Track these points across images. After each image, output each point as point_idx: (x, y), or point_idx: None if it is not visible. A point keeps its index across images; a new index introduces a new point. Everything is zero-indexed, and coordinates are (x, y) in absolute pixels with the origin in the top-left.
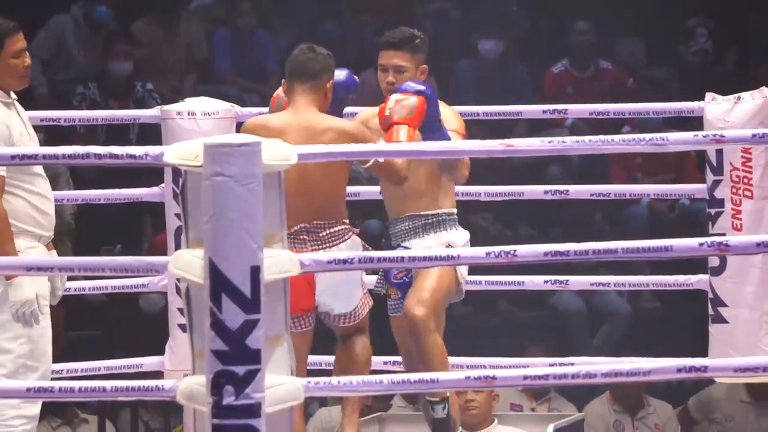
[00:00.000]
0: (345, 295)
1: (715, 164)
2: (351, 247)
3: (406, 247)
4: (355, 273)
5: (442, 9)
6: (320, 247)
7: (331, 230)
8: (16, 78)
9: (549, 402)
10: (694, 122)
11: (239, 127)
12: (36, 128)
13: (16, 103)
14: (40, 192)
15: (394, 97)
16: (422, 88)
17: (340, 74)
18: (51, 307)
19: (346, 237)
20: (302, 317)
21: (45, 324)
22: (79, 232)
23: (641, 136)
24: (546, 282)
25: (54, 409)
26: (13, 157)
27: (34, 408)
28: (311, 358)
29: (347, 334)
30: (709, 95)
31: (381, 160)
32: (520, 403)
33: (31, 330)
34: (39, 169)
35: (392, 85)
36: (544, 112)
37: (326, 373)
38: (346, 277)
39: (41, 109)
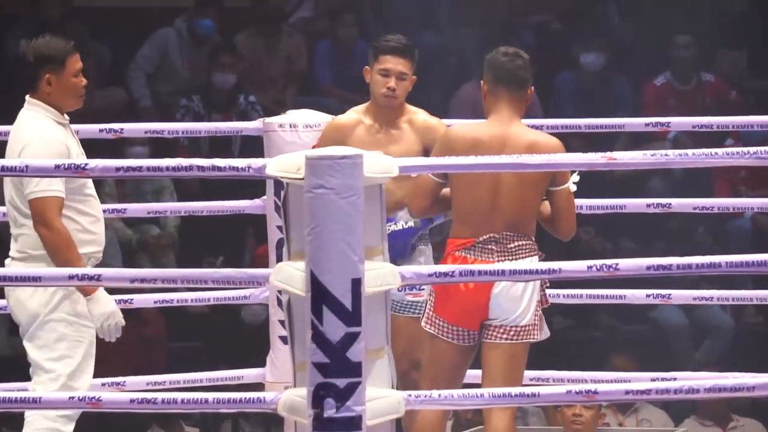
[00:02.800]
0: (524, 305)
1: None
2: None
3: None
4: (535, 290)
5: (544, 21)
6: (507, 258)
7: (520, 242)
8: (75, 97)
9: (636, 413)
10: None
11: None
12: (140, 140)
13: (69, 125)
14: (91, 212)
15: None
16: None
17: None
18: (153, 316)
19: (533, 253)
20: (466, 331)
21: (90, 348)
22: (182, 243)
23: (745, 149)
24: (648, 296)
25: (160, 422)
26: (118, 169)
27: (69, 426)
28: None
29: (502, 360)
30: None
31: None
32: (606, 419)
33: (77, 351)
34: (91, 189)
35: (393, 91)
36: (647, 125)
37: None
38: (524, 289)
39: (145, 122)
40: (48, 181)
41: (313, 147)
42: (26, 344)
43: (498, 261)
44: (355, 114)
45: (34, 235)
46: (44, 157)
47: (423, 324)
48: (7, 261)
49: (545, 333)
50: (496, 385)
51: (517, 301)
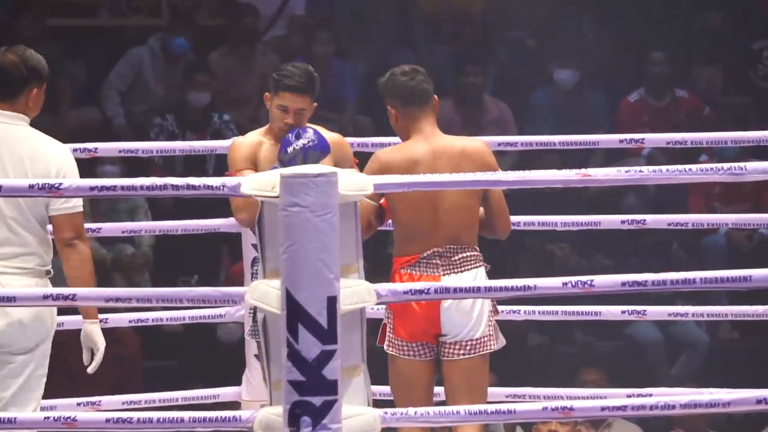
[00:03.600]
0: (475, 318)
1: None
2: (480, 276)
3: None
4: (485, 302)
5: (519, 38)
6: (452, 271)
7: (464, 255)
8: (37, 113)
9: (609, 428)
10: None
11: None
12: (111, 159)
13: None
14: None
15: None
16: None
17: (314, 137)
18: (128, 335)
19: (478, 264)
20: (425, 345)
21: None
22: (157, 262)
23: (719, 165)
24: (623, 312)
25: None
26: (92, 188)
27: None
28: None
29: (462, 376)
30: None
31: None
32: None
33: (45, 370)
34: None
35: (289, 126)
36: (621, 141)
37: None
38: (474, 303)
39: (119, 140)
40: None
41: (230, 173)
42: (26, 359)
43: (443, 274)
44: (257, 135)
45: (41, 251)
46: (76, 173)
47: (386, 347)
48: None
49: (501, 341)
50: (460, 401)
51: (468, 314)
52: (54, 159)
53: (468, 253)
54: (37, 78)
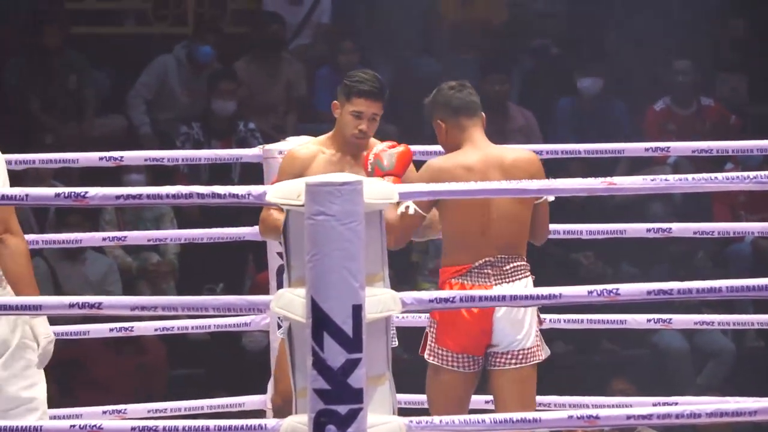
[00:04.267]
0: (526, 327)
1: None
2: (530, 286)
3: None
4: (533, 311)
5: (543, 46)
6: (504, 280)
7: (515, 264)
8: None
9: None
10: None
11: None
12: (137, 168)
13: None
14: None
15: (373, 151)
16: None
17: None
18: (153, 343)
19: (527, 273)
20: (471, 358)
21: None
22: (183, 271)
23: (745, 174)
24: (649, 321)
25: None
26: (118, 197)
27: None
28: (412, 397)
29: (513, 387)
30: None
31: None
32: None
33: (39, 376)
34: None
35: (363, 133)
36: (647, 149)
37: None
38: (525, 313)
39: (145, 149)
40: (3, 187)
41: (273, 182)
42: None
43: (495, 284)
44: (315, 145)
45: None
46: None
47: (426, 356)
48: None
49: (546, 351)
50: (511, 411)
51: (519, 324)
52: None
53: (519, 263)
54: None
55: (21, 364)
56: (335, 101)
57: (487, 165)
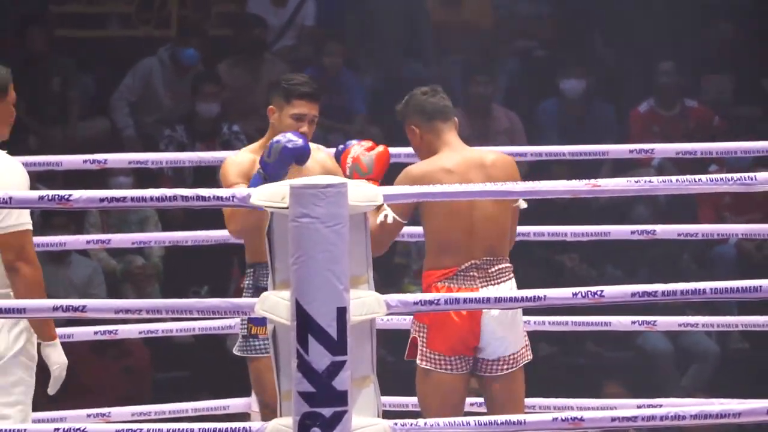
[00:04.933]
0: (515, 331)
1: None
2: (513, 287)
3: None
4: (519, 313)
5: (527, 48)
6: (489, 283)
7: (499, 266)
8: (8, 127)
9: None
10: None
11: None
12: (123, 171)
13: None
14: None
15: (351, 154)
16: (301, 143)
17: (297, 140)
18: (137, 346)
19: (511, 275)
20: (463, 359)
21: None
22: (167, 273)
23: (729, 175)
24: (633, 323)
25: None
26: (102, 199)
27: None
28: (396, 399)
29: (505, 391)
30: None
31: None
32: None
33: (29, 398)
34: None
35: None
36: (631, 151)
37: (413, 414)
38: (514, 315)
39: (129, 152)
40: (22, 213)
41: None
42: None
43: (481, 287)
44: (250, 153)
45: None
46: (22, 188)
47: (418, 361)
48: None
49: (530, 351)
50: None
51: (509, 328)
52: None
53: (503, 265)
54: None
55: (10, 379)
56: (271, 107)
57: (468, 167)
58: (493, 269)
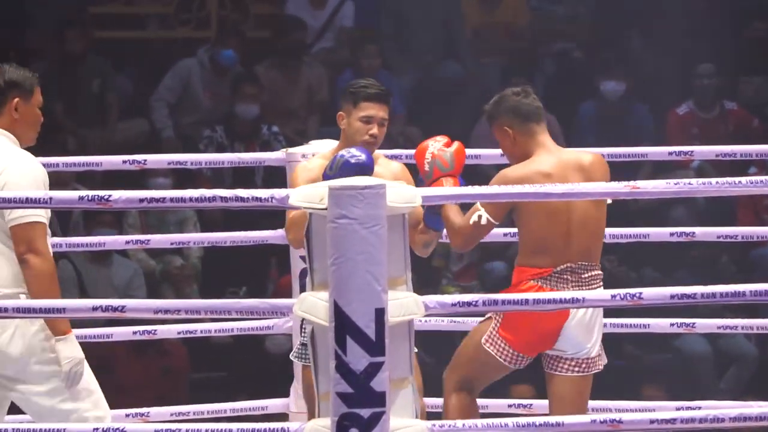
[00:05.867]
0: (595, 336)
1: None
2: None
3: None
4: (600, 319)
5: (566, 50)
6: (581, 288)
7: (593, 273)
8: (35, 131)
9: None
10: None
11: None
12: (162, 171)
13: None
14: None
15: (430, 150)
16: (364, 159)
17: (360, 156)
18: (176, 347)
19: (600, 284)
20: (525, 358)
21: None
22: (206, 274)
23: None
24: (672, 325)
25: None
26: (141, 200)
27: None
28: (434, 401)
29: (574, 393)
30: None
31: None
32: None
33: (81, 384)
34: None
35: (375, 138)
36: (670, 153)
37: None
38: (595, 320)
39: (168, 152)
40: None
41: None
42: (25, 394)
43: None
44: (322, 159)
45: (7, 271)
46: (37, 183)
47: (483, 341)
48: None
49: (604, 360)
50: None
51: (590, 333)
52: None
53: (596, 272)
54: (16, 90)
55: (54, 380)
56: (340, 112)
57: (566, 169)
58: (586, 275)
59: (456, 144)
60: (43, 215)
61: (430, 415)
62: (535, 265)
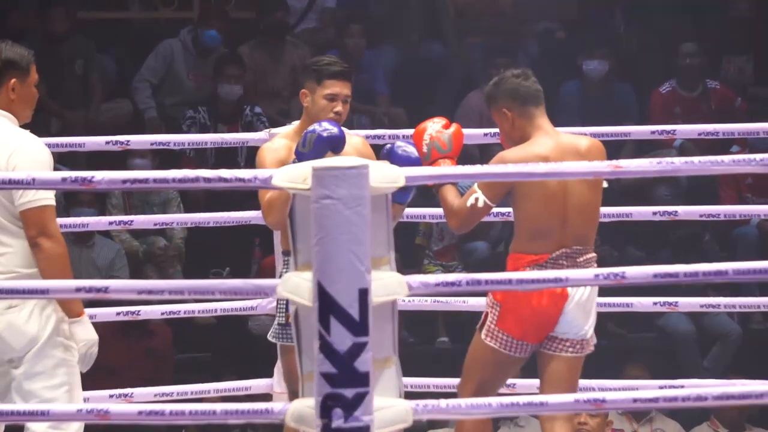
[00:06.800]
0: (591, 318)
1: None
2: None
3: None
4: (594, 302)
5: (549, 29)
6: None
7: (587, 256)
8: (31, 109)
9: (651, 423)
10: None
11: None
12: (142, 152)
13: None
14: None
15: (428, 132)
16: (336, 131)
17: (332, 129)
18: (160, 327)
19: (595, 266)
20: (529, 345)
21: (78, 372)
22: (189, 255)
23: (751, 156)
24: (655, 304)
25: None
26: (124, 181)
27: None
28: (418, 380)
29: (565, 372)
30: None
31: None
32: (620, 426)
33: (74, 378)
34: None
35: (339, 115)
36: (653, 132)
37: (434, 395)
38: (591, 302)
39: (151, 133)
40: (43, 190)
41: None
42: (17, 372)
43: None
44: (284, 140)
45: (22, 252)
46: (45, 165)
47: (483, 337)
48: None
49: (595, 339)
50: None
51: (588, 315)
52: (4, 153)
53: (590, 255)
54: (13, 69)
55: (50, 362)
56: (303, 90)
57: (563, 153)
58: (581, 259)
59: (454, 126)
60: (52, 198)
61: (416, 395)
62: (531, 251)
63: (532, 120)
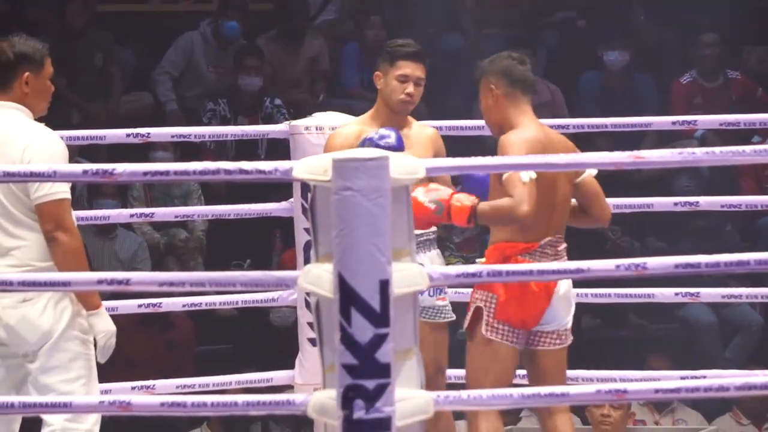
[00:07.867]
0: (572, 306)
1: None
2: None
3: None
4: (573, 292)
5: (568, 19)
6: (557, 260)
7: (563, 245)
8: (46, 102)
9: (673, 413)
10: None
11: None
12: (163, 144)
13: None
14: None
15: (421, 199)
16: (393, 141)
17: (389, 137)
18: (181, 319)
19: (566, 255)
20: (523, 333)
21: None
22: (210, 247)
23: None
24: (676, 294)
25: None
26: (145, 173)
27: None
28: None
29: (556, 365)
30: None
31: None
32: (642, 417)
33: (91, 371)
34: None
35: (411, 97)
36: (674, 123)
37: (456, 386)
38: (571, 293)
39: (171, 125)
40: (58, 183)
41: None
42: (33, 366)
43: None
44: (357, 125)
45: (37, 245)
46: (60, 158)
47: (484, 331)
48: None
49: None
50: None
51: (569, 305)
52: (19, 146)
53: (564, 244)
54: (26, 63)
55: (65, 355)
56: (377, 72)
57: (554, 143)
58: (560, 247)
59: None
60: (68, 191)
61: None
62: (521, 239)
63: (517, 105)
